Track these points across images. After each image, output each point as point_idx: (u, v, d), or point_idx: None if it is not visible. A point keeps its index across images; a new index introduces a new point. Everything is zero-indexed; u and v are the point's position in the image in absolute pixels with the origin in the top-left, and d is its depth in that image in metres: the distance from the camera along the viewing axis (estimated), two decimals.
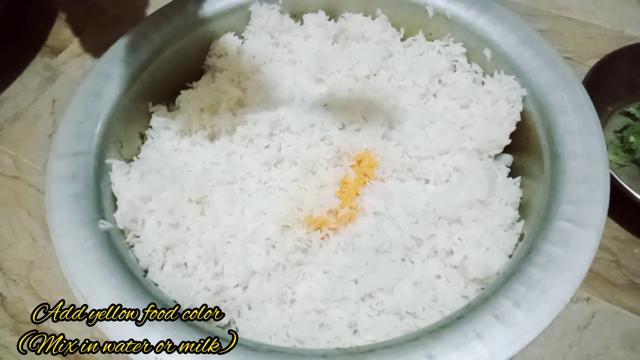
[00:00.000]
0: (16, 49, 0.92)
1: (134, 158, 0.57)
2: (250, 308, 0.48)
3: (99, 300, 0.42)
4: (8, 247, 0.67)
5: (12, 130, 0.81)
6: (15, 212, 0.72)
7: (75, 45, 0.93)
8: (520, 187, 0.55)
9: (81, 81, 0.57)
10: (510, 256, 0.49)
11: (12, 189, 0.74)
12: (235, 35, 0.66)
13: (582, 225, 0.44)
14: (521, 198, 0.54)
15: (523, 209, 0.53)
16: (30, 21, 0.96)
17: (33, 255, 0.67)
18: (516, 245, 0.50)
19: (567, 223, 0.44)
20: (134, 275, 0.45)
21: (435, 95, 0.62)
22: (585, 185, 0.47)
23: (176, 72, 0.64)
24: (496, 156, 0.58)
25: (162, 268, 0.49)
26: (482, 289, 0.48)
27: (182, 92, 0.61)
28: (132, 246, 0.50)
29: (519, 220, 0.52)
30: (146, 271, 0.49)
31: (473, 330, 0.39)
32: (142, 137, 0.61)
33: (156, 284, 0.48)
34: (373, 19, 0.66)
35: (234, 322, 0.49)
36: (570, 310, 0.59)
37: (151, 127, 0.60)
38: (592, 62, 0.70)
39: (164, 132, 0.58)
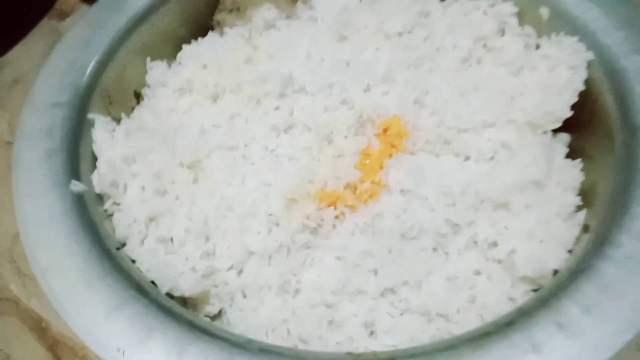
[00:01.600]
0: (23, 11, 0.87)
1: (124, 117, 0.50)
2: (245, 296, 0.42)
3: (58, 275, 0.35)
4: None
5: (11, 95, 0.77)
6: (6, 180, 0.66)
7: (84, 9, 0.87)
8: (581, 170, 0.46)
9: (70, 28, 0.51)
10: (570, 252, 0.41)
11: (4, 156, 0.69)
12: None
13: None
14: (582, 184, 0.46)
15: (586, 196, 0.45)
16: None
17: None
18: (577, 239, 0.42)
19: None
20: (104, 247, 0.39)
21: (479, 63, 0.53)
22: None
23: (180, 26, 0.57)
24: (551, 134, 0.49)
25: (142, 242, 0.42)
26: (534, 290, 0.40)
27: (184, 46, 0.55)
28: (111, 215, 0.44)
29: (580, 209, 0.43)
30: (123, 245, 0.42)
31: (528, 341, 0.32)
32: (138, 96, 0.55)
33: (133, 261, 0.41)
34: None
35: (225, 313, 0.42)
36: None
37: (148, 86, 0.54)
38: None
39: (160, 89, 0.52)
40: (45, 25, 0.86)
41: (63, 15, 0.87)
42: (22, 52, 0.82)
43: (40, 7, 0.87)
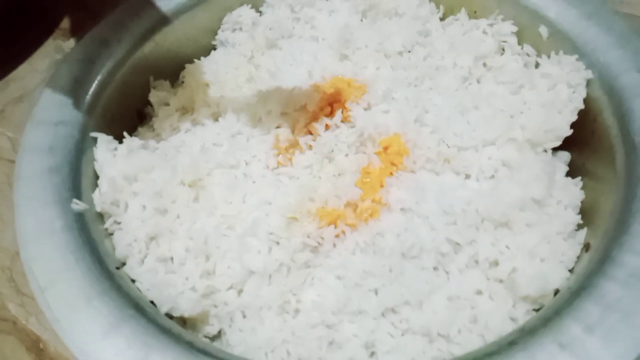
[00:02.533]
0: (29, 30, 0.88)
1: (126, 136, 0.50)
2: (244, 316, 0.41)
3: (57, 294, 0.35)
4: None
5: (15, 112, 0.77)
6: (7, 197, 0.66)
7: (89, 29, 0.88)
8: (581, 189, 0.46)
9: (74, 46, 0.51)
10: (571, 271, 0.40)
11: (6, 173, 0.69)
12: (252, 8, 0.60)
13: None
14: (582, 202, 0.46)
15: (586, 214, 0.44)
16: (45, 4, 0.92)
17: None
18: (579, 258, 0.41)
19: None
20: (104, 266, 0.38)
21: (479, 81, 0.54)
22: None
23: (184, 45, 0.58)
24: (551, 152, 0.49)
25: (142, 261, 0.42)
26: (536, 310, 0.40)
27: (187, 65, 0.55)
28: (111, 234, 0.43)
29: (581, 228, 0.43)
30: (124, 264, 0.41)
31: None
32: (140, 115, 0.55)
33: (133, 280, 0.40)
34: None
35: (225, 334, 0.41)
36: None
37: (150, 105, 0.54)
38: None
39: (163, 108, 0.52)
40: (51, 44, 0.86)
41: (68, 35, 0.88)
42: (28, 70, 0.83)
43: (46, 27, 0.88)
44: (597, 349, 0.31)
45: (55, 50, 0.85)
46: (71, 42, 0.86)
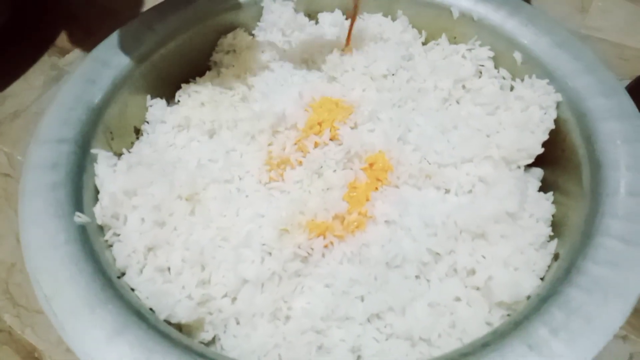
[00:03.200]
0: (24, 47, 0.90)
1: (125, 152, 0.52)
2: (238, 323, 0.43)
3: (63, 302, 0.37)
4: None
5: (11, 128, 0.78)
6: (3, 211, 0.68)
7: (84, 46, 0.90)
8: (552, 203, 0.49)
9: (76, 66, 0.53)
10: (542, 279, 0.43)
11: (2, 187, 0.71)
12: (245, 31, 0.63)
13: (634, 244, 0.37)
14: (554, 216, 0.48)
15: (557, 227, 0.47)
16: (41, 21, 0.94)
17: (15, 258, 0.62)
18: (549, 267, 0.44)
19: (615, 240, 0.38)
20: (106, 276, 0.40)
21: (458, 102, 0.57)
22: (634, 198, 0.40)
23: (180, 66, 0.60)
24: (525, 169, 0.52)
25: (141, 271, 0.43)
26: (509, 315, 0.42)
27: (182, 85, 0.57)
28: (111, 246, 0.45)
29: (552, 239, 0.46)
30: (123, 274, 0.43)
31: None
32: (137, 132, 0.57)
33: (132, 289, 0.42)
34: (393, 20, 0.62)
35: (219, 339, 0.43)
36: (604, 349, 0.51)
37: (147, 122, 0.56)
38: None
39: (160, 126, 0.54)
40: (46, 61, 0.88)
41: (63, 52, 0.89)
42: (23, 87, 0.84)
43: (41, 44, 0.90)
44: (561, 350, 0.33)
45: (51, 67, 0.87)
46: (66, 59, 0.88)
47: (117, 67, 0.54)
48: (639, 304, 0.52)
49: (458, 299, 0.43)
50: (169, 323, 0.41)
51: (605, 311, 0.35)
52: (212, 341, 0.43)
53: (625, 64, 0.80)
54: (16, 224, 0.63)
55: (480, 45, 0.59)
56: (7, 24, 0.85)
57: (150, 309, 0.40)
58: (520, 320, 0.36)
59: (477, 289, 0.44)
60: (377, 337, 0.42)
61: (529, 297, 0.41)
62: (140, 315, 0.37)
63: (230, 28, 0.63)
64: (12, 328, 0.56)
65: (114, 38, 0.56)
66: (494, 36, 0.58)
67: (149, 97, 0.57)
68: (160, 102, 0.57)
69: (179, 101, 0.57)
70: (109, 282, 0.39)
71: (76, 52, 0.89)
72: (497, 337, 0.35)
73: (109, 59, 0.54)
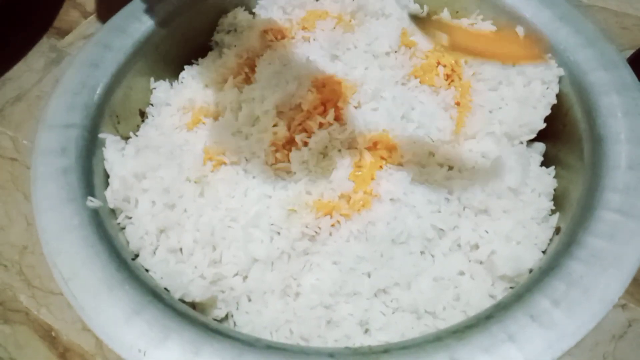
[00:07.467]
0: (23, 30, 0.89)
1: (132, 135, 0.53)
2: (250, 300, 0.44)
3: (81, 284, 0.38)
4: (1, 231, 0.64)
5: (14, 111, 0.78)
6: (12, 195, 0.68)
7: (82, 27, 0.90)
8: (554, 177, 0.50)
9: (79, 51, 0.53)
10: (544, 252, 0.44)
11: (9, 171, 0.71)
12: (245, 10, 0.62)
13: (631, 216, 0.38)
14: (555, 190, 0.49)
15: (558, 200, 0.48)
16: (38, 3, 0.93)
17: (27, 240, 0.63)
18: (551, 240, 0.45)
19: (614, 213, 0.39)
20: (121, 258, 0.41)
21: (460, 78, 0.57)
22: (633, 171, 0.41)
23: (181, 47, 0.60)
24: (527, 144, 0.53)
25: (154, 252, 0.44)
26: (512, 288, 0.43)
27: (185, 67, 0.57)
28: (124, 228, 0.46)
29: (553, 213, 0.47)
30: (137, 255, 0.45)
31: (504, 331, 0.34)
32: (142, 115, 0.57)
33: (147, 270, 0.43)
34: None
35: (232, 316, 0.44)
36: (604, 317, 0.53)
37: (152, 105, 0.56)
38: (629, 53, 0.65)
39: (165, 108, 0.54)
40: (45, 43, 0.87)
41: (62, 34, 0.89)
42: (23, 69, 0.84)
43: (40, 26, 0.89)
44: (562, 320, 0.35)
45: (50, 49, 0.87)
46: (65, 40, 0.87)
47: (119, 50, 0.54)
48: (638, 273, 0.54)
49: (462, 273, 0.45)
50: (184, 302, 0.42)
51: (604, 282, 0.36)
52: (225, 318, 0.45)
53: (627, 33, 0.79)
54: (25, 207, 0.65)
55: (483, 20, 0.59)
56: (4, 7, 0.84)
57: (165, 289, 0.42)
58: (523, 292, 0.37)
59: (481, 263, 0.45)
60: (384, 311, 0.43)
61: (531, 270, 0.43)
62: (156, 295, 0.39)
63: (231, 7, 0.62)
64: (28, 309, 0.58)
65: (114, 21, 0.56)
66: (496, 10, 0.58)
67: (152, 79, 0.57)
68: (164, 84, 0.57)
69: (182, 83, 0.57)
70: (124, 263, 0.41)
71: (75, 34, 0.88)
72: (500, 309, 0.36)
73: (111, 42, 0.54)
